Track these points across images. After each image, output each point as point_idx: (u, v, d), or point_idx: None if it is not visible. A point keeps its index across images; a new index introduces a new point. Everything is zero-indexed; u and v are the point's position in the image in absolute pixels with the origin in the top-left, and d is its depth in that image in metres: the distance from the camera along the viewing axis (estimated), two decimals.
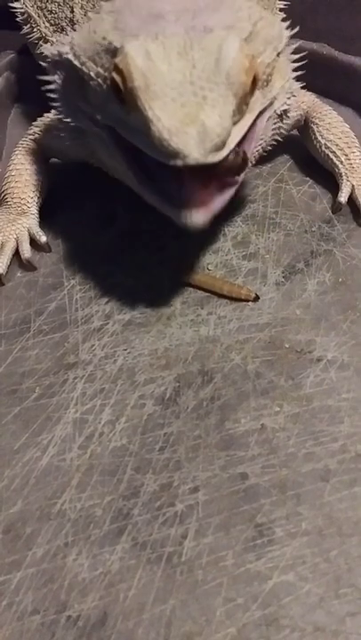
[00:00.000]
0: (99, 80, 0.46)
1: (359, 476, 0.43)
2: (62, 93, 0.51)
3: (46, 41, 0.62)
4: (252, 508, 0.41)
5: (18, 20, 0.65)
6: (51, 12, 0.61)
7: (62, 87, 0.51)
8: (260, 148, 0.53)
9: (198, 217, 0.42)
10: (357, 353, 0.48)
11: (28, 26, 0.63)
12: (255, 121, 0.47)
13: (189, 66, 0.41)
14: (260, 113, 0.48)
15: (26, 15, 0.63)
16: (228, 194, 0.45)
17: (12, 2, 0.65)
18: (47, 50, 0.52)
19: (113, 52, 0.44)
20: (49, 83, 0.51)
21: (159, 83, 0.41)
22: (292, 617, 0.37)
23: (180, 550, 0.40)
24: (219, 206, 0.44)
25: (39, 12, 0.61)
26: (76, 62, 0.47)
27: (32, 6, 0.62)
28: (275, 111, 0.52)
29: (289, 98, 0.53)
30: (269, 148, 0.57)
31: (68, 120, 0.51)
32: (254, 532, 0.41)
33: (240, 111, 0.44)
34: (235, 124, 0.43)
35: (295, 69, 0.54)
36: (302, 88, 0.57)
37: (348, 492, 0.42)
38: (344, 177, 0.58)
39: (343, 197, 0.57)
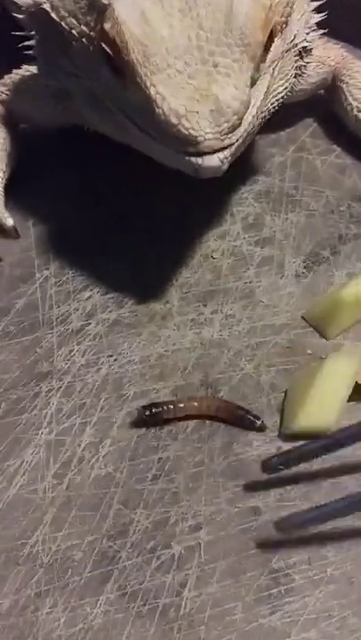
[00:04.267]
0: (83, 40, 0.46)
1: None
2: (41, 51, 0.51)
3: None
4: (265, 551, 0.42)
5: None
6: None
7: (41, 44, 0.51)
8: (280, 95, 0.53)
9: (213, 159, 0.41)
10: None
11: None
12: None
13: (195, 26, 0.41)
14: (281, 59, 0.49)
15: None
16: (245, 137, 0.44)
17: None
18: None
19: (100, 8, 0.44)
20: (24, 39, 0.51)
21: (160, 52, 0.41)
22: None
23: (177, 602, 0.40)
24: (235, 150, 0.43)
25: None
26: (53, 15, 0.47)
27: None
28: (295, 48, 0.52)
29: (308, 33, 0.54)
30: (286, 97, 0.56)
31: (50, 81, 0.52)
32: (268, 579, 0.41)
33: (257, 72, 0.44)
34: (252, 87, 0.43)
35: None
36: (326, 35, 0.57)
37: None
38: None
39: None
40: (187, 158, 0.41)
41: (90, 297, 0.53)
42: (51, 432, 0.47)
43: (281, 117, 0.56)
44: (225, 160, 0.42)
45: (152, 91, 0.41)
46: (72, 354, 0.50)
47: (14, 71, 0.58)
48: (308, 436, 0.44)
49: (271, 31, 0.44)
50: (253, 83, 0.44)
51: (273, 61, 0.47)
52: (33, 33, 0.51)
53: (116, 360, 0.50)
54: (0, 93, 0.58)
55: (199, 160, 0.41)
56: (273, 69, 0.48)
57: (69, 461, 0.45)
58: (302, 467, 0.44)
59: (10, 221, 0.56)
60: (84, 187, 0.59)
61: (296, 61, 0.54)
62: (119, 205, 0.58)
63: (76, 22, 0.46)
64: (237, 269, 0.54)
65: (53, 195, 0.59)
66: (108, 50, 0.43)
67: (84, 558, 0.42)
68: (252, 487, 0.44)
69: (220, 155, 0.41)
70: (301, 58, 0.55)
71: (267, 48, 0.44)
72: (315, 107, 0.62)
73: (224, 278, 0.53)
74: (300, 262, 0.54)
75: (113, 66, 0.43)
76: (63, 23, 0.47)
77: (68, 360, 0.50)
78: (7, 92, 0.58)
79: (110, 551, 0.42)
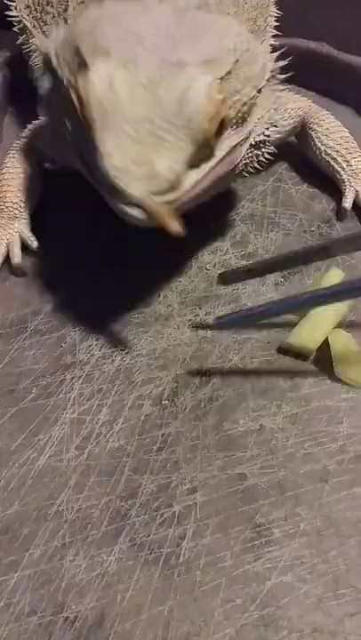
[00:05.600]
0: (69, 90, 0.45)
1: (358, 477, 0.43)
2: (48, 92, 0.50)
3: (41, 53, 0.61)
4: (250, 509, 0.42)
5: (14, 29, 0.64)
6: (45, 23, 0.59)
7: (49, 85, 0.50)
8: (224, 181, 0.50)
9: (135, 211, 0.40)
10: None
11: (24, 36, 0.62)
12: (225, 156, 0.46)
13: (153, 103, 0.40)
14: (233, 148, 0.47)
15: (22, 25, 0.61)
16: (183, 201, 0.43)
17: (9, 10, 0.64)
18: (38, 43, 0.51)
19: (84, 66, 0.43)
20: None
21: (117, 116, 0.40)
22: (291, 618, 0.38)
23: (177, 551, 0.40)
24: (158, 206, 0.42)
25: (35, 22, 0.60)
26: (54, 62, 0.47)
27: (28, 16, 0.61)
28: (251, 142, 0.50)
29: (268, 128, 0.52)
30: (252, 168, 0.55)
31: (50, 121, 0.51)
32: (253, 532, 0.41)
33: (202, 155, 0.42)
34: (196, 167, 0.42)
35: (284, 73, 0.53)
36: (301, 86, 0.57)
37: (346, 493, 0.42)
38: (347, 183, 0.58)
39: (348, 204, 0.58)
40: (119, 205, 0.40)
41: (106, 301, 0.53)
42: (74, 412, 0.47)
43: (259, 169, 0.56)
44: (146, 216, 0.40)
45: (101, 147, 0.40)
46: (91, 348, 0.50)
47: (40, 117, 0.57)
48: (296, 353, 0.49)
49: (222, 121, 0.43)
50: (197, 162, 0.42)
51: (224, 149, 0.45)
52: (45, 77, 0.50)
53: (127, 353, 0.50)
54: (27, 136, 0.58)
55: (126, 208, 0.40)
56: (224, 156, 0.45)
57: (89, 436, 0.45)
58: (280, 441, 0.44)
59: (35, 243, 0.56)
60: (97, 212, 0.58)
61: (250, 153, 0.52)
62: (127, 226, 0.57)
63: (67, 72, 0.45)
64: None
65: (72, 219, 0.58)
66: (75, 102, 0.42)
67: (100, 516, 0.42)
68: (239, 457, 0.44)
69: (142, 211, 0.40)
70: (259, 149, 0.53)
71: (217, 134, 0.43)
72: (290, 145, 0.62)
73: (216, 286, 0.53)
74: (278, 273, 0.54)
75: (80, 117, 0.42)
76: (59, 70, 0.46)
77: (88, 353, 0.50)
78: (33, 136, 0.58)
79: (122, 510, 0.42)
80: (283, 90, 0.55)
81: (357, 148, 0.59)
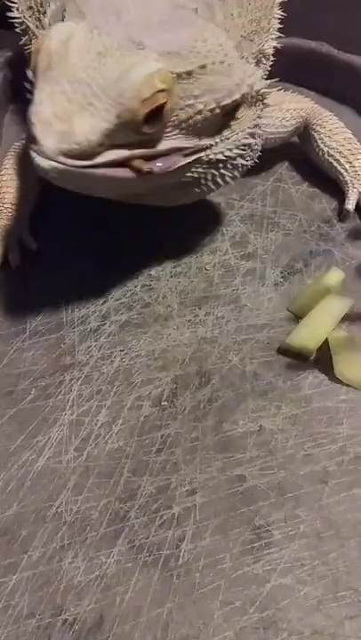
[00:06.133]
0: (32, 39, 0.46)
1: (358, 479, 0.43)
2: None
3: None
4: (249, 511, 0.42)
5: (16, 30, 0.64)
6: (49, 24, 0.59)
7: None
8: (152, 183, 0.46)
9: (43, 162, 0.40)
10: None
11: (27, 37, 0.62)
12: (171, 153, 0.44)
13: (97, 69, 0.41)
14: (179, 150, 0.45)
15: (24, 26, 0.61)
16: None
17: (10, 11, 0.64)
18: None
19: (52, 20, 0.45)
20: None
21: (60, 70, 0.41)
22: (290, 620, 0.38)
23: (177, 553, 0.40)
24: (74, 173, 0.41)
25: (37, 23, 0.60)
26: (17, 13, 0.49)
27: (30, 17, 0.60)
28: (205, 156, 0.46)
29: (231, 149, 0.48)
30: (204, 186, 0.49)
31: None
32: (252, 534, 0.41)
33: (125, 135, 0.41)
34: (117, 146, 0.41)
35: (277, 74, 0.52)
36: (301, 86, 0.56)
37: (346, 495, 0.42)
38: (350, 184, 0.58)
39: (351, 205, 0.57)
40: (32, 154, 0.40)
41: (105, 302, 0.52)
42: (73, 413, 0.46)
43: (263, 156, 0.56)
44: (53, 170, 0.40)
45: (37, 92, 0.41)
46: (90, 349, 0.50)
47: None
48: (296, 353, 0.48)
49: (159, 111, 0.41)
50: (120, 142, 0.41)
51: (158, 143, 0.43)
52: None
53: (126, 354, 0.49)
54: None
55: (37, 159, 0.40)
56: (160, 153, 0.44)
57: (88, 437, 0.45)
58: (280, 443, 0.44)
59: (33, 245, 0.55)
60: (96, 214, 0.58)
61: (201, 168, 0.47)
62: (125, 228, 0.57)
63: (32, 25, 0.47)
64: (226, 279, 0.54)
65: (71, 221, 0.58)
66: (33, 50, 0.43)
67: (99, 517, 0.42)
68: (239, 458, 0.44)
69: (52, 163, 0.40)
70: (216, 169, 0.48)
71: (149, 122, 0.41)
72: (290, 144, 0.61)
73: (215, 286, 0.53)
74: (278, 273, 0.54)
75: (30, 66, 0.43)
76: (27, 23, 0.48)
77: (87, 354, 0.49)
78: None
79: (121, 511, 0.42)
80: (285, 91, 0.55)
81: (360, 149, 0.59)
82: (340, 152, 0.58)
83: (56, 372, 0.49)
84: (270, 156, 0.61)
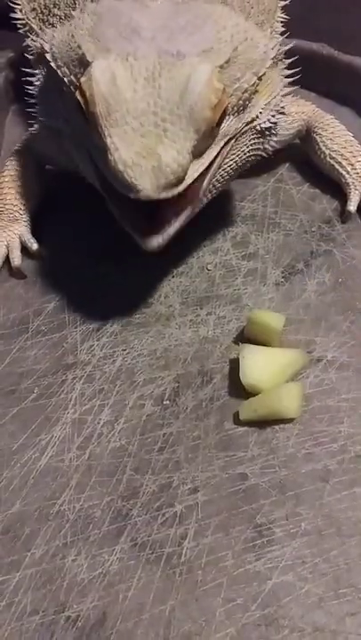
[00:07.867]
0: (71, 88, 0.45)
1: (359, 477, 0.43)
2: (42, 90, 0.51)
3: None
4: (251, 509, 0.42)
5: (20, 31, 0.64)
6: (52, 25, 0.58)
7: (43, 83, 0.50)
8: (230, 168, 0.50)
9: (152, 242, 0.43)
10: (357, 353, 0.49)
11: (30, 38, 0.62)
12: (224, 146, 0.46)
13: (155, 94, 0.41)
14: (234, 136, 0.47)
15: (28, 27, 0.61)
16: (183, 217, 0.45)
17: (13, 12, 0.64)
18: (32, 42, 0.51)
19: (84, 64, 0.44)
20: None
21: (121, 110, 0.41)
22: (292, 617, 0.38)
23: (179, 551, 0.40)
24: (173, 231, 0.44)
25: (41, 24, 0.59)
26: (53, 64, 0.47)
27: (34, 19, 0.60)
28: (255, 128, 0.50)
29: (274, 115, 0.51)
30: (257, 156, 0.54)
31: (43, 119, 0.51)
32: (254, 532, 0.41)
33: (205, 144, 0.43)
34: (198, 157, 0.43)
35: (290, 75, 0.53)
36: (302, 88, 0.57)
37: (347, 493, 0.42)
38: (352, 186, 0.58)
39: (353, 206, 0.58)
40: (135, 231, 0.43)
41: (107, 302, 0.53)
42: (75, 412, 0.47)
43: (264, 157, 0.56)
44: (162, 238, 0.43)
45: (108, 140, 0.41)
46: (93, 348, 0.50)
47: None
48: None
49: (224, 110, 0.43)
50: (200, 152, 0.43)
51: (225, 136, 0.46)
52: (37, 72, 0.51)
53: (128, 353, 0.50)
54: (28, 139, 0.58)
55: (146, 243, 0.43)
56: (226, 143, 0.46)
57: (90, 436, 0.45)
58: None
59: (35, 246, 0.56)
60: (97, 214, 0.58)
61: (256, 140, 0.51)
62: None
63: (68, 72, 0.46)
64: (228, 279, 0.54)
65: (72, 221, 0.58)
66: (80, 99, 0.43)
67: (102, 515, 0.42)
68: (240, 457, 0.44)
69: (157, 240, 0.43)
70: (264, 137, 0.52)
71: (219, 123, 0.43)
72: (291, 145, 0.62)
73: (217, 286, 0.53)
74: (279, 273, 0.54)
75: (84, 115, 0.43)
76: (59, 72, 0.47)
77: (90, 353, 0.50)
78: (34, 138, 0.57)
79: (124, 509, 0.42)
80: (287, 94, 0.55)
81: None
82: (341, 154, 0.59)
83: (58, 371, 0.49)
84: (271, 157, 0.61)
